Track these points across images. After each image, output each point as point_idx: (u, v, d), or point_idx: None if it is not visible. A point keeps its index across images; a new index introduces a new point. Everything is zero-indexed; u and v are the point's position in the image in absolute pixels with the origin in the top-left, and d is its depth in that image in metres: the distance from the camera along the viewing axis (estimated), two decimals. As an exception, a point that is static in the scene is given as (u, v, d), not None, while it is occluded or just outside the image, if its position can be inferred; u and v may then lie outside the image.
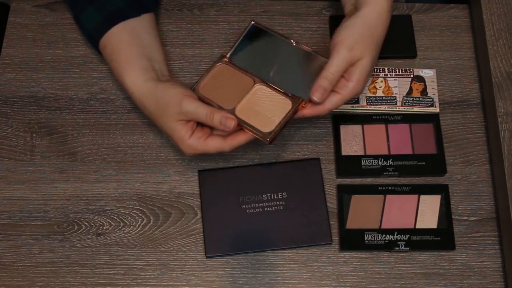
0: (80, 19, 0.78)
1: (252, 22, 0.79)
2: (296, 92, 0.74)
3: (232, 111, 0.73)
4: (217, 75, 0.77)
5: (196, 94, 0.74)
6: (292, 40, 0.77)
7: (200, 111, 0.71)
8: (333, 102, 0.72)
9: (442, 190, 0.79)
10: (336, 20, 0.87)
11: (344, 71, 0.71)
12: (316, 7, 0.89)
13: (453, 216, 0.78)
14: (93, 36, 0.77)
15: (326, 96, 0.71)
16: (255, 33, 0.78)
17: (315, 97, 0.71)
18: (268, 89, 0.75)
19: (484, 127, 0.83)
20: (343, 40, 0.71)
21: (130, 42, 0.75)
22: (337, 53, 0.71)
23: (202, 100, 0.74)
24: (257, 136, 0.72)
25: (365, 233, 0.76)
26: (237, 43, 0.78)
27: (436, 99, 0.83)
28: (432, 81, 0.84)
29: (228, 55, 0.77)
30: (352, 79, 0.72)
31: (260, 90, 0.75)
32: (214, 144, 0.72)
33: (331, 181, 0.80)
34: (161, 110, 0.72)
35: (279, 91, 0.74)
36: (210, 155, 0.79)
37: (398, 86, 0.84)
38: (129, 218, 0.77)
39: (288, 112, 0.73)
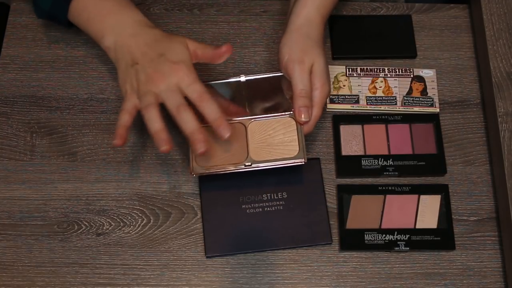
0: (35, 1, 0.79)
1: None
2: (282, 109, 0.78)
3: (251, 161, 0.74)
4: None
5: (198, 171, 0.74)
6: (240, 77, 0.79)
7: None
8: (315, 115, 0.75)
9: (442, 190, 0.79)
10: (336, 20, 0.87)
11: (309, 82, 0.74)
12: (316, 7, 0.89)
13: (453, 216, 0.78)
14: (56, 13, 0.78)
15: (310, 112, 0.74)
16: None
17: (302, 118, 0.74)
18: (260, 121, 0.77)
19: (484, 127, 0.83)
20: (290, 57, 0.74)
21: None
22: (293, 71, 0.74)
23: (210, 172, 0.74)
24: (292, 164, 0.74)
25: (365, 233, 0.76)
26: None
27: (436, 99, 0.83)
28: (432, 81, 0.84)
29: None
30: (317, 86, 0.75)
31: (255, 126, 0.77)
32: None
33: (331, 181, 0.80)
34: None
35: (269, 117, 0.77)
36: None
37: (398, 86, 0.84)
38: (129, 218, 0.77)
39: (297, 125, 0.76)
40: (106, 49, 0.76)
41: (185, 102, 0.70)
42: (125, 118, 0.71)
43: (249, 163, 0.74)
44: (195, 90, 0.70)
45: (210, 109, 0.70)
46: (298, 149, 0.75)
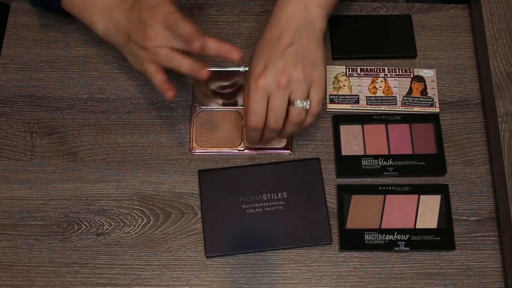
0: None
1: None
2: None
3: (244, 147, 0.80)
4: (202, 125, 0.81)
5: (197, 149, 0.80)
6: (240, 67, 0.82)
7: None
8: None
9: (442, 190, 0.79)
10: (336, 20, 0.87)
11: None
12: (316, 7, 0.89)
13: (453, 216, 0.78)
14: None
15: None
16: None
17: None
18: None
19: (484, 127, 0.83)
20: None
21: None
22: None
23: (207, 152, 0.80)
24: (279, 153, 0.79)
25: (365, 233, 0.76)
26: (194, 91, 0.83)
27: (436, 99, 0.83)
28: (432, 81, 0.84)
29: (196, 105, 0.82)
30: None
31: None
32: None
33: (331, 181, 0.80)
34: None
35: None
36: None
37: (398, 86, 0.84)
38: (129, 218, 0.77)
39: None
40: (103, 36, 0.77)
41: (169, 50, 0.70)
42: (159, 77, 0.72)
43: (242, 149, 0.80)
44: (174, 21, 0.70)
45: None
46: (285, 140, 0.80)
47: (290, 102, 0.71)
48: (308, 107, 0.72)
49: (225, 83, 0.83)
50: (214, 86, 0.83)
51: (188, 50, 0.70)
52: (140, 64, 0.73)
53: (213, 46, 0.69)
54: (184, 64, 0.70)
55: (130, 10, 0.73)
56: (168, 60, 0.71)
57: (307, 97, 0.72)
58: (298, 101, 0.71)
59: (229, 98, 0.83)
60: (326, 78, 0.73)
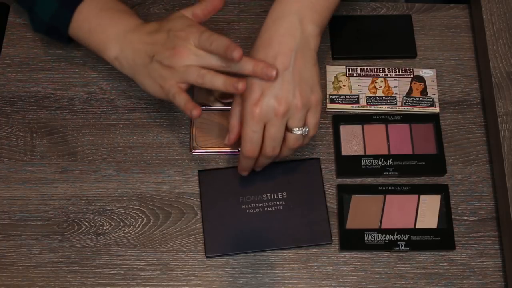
0: (35, 11, 0.77)
1: None
2: None
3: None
4: (202, 125, 0.81)
5: (197, 149, 0.80)
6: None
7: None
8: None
9: (442, 190, 0.79)
10: (336, 20, 0.87)
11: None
12: (316, 7, 0.89)
13: (453, 216, 0.78)
14: (57, 25, 0.76)
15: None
16: None
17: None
18: None
19: (484, 127, 0.83)
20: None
21: (105, 7, 0.75)
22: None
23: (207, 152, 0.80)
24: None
25: (365, 233, 0.76)
26: (194, 91, 0.82)
27: (436, 99, 0.83)
28: (432, 81, 0.84)
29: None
30: None
31: None
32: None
33: (331, 181, 0.80)
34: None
35: None
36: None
37: (398, 86, 0.84)
38: (129, 218, 0.77)
39: None
40: (114, 60, 0.75)
41: (200, 68, 0.69)
42: (183, 96, 0.70)
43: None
44: (209, 36, 0.68)
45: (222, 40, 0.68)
46: None
47: (287, 128, 0.70)
48: (306, 133, 0.71)
49: (225, 99, 0.82)
50: (217, 93, 0.82)
51: (225, 66, 0.68)
52: (161, 85, 0.71)
53: (248, 65, 0.67)
54: (218, 80, 0.68)
55: (155, 33, 0.71)
56: (200, 77, 0.68)
57: (305, 122, 0.70)
58: (297, 129, 0.70)
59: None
60: (322, 100, 0.71)
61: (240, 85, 0.67)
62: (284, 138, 0.71)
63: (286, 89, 0.68)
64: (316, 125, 0.71)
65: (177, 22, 0.71)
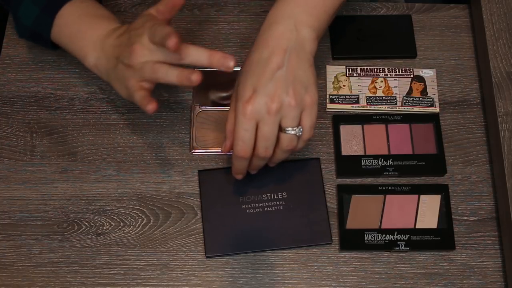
0: (18, 17, 0.77)
1: (196, 68, 0.81)
2: None
3: None
4: (202, 125, 0.81)
5: (197, 149, 0.80)
6: (240, 67, 0.80)
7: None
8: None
9: (442, 190, 0.79)
10: (336, 20, 0.87)
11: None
12: (316, 7, 0.89)
13: (453, 216, 0.78)
14: (39, 30, 0.76)
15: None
16: (204, 76, 0.81)
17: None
18: None
19: (484, 127, 0.83)
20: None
21: (84, 12, 0.75)
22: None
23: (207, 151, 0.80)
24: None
25: (365, 233, 0.76)
26: (194, 91, 0.83)
27: (436, 99, 0.83)
28: (432, 81, 0.84)
29: (196, 105, 0.82)
30: None
31: None
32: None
33: (331, 181, 0.80)
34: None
35: None
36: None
37: (398, 86, 0.84)
38: (129, 218, 0.77)
39: None
40: (93, 68, 0.74)
41: (154, 62, 0.67)
42: (140, 93, 0.69)
43: None
44: (153, 27, 0.66)
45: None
46: None
47: (280, 129, 0.68)
48: (300, 134, 0.69)
49: (225, 94, 0.82)
50: (214, 96, 0.82)
51: (179, 59, 0.67)
52: (126, 85, 0.70)
53: (204, 56, 0.65)
54: (170, 73, 0.66)
55: (121, 35, 0.71)
56: (153, 71, 0.67)
57: (299, 123, 0.68)
58: (290, 128, 0.68)
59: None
60: (317, 101, 0.69)
61: (194, 77, 0.64)
62: (278, 140, 0.69)
63: (279, 87, 0.67)
64: (311, 127, 0.69)
65: (139, 20, 0.70)
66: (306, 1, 0.70)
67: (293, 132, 0.68)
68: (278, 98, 0.66)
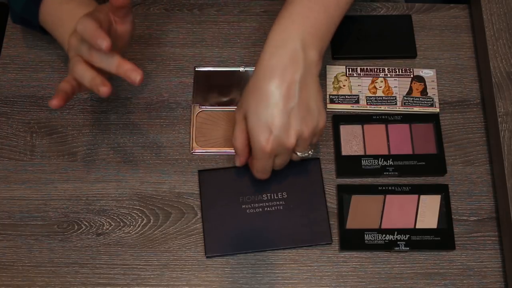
0: (10, 3, 0.78)
1: (196, 69, 0.84)
2: None
3: None
4: (202, 125, 0.81)
5: (197, 149, 0.80)
6: (239, 67, 0.83)
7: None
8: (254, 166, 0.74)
9: (442, 190, 0.79)
10: (336, 20, 0.87)
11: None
12: (316, 7, 0.89)
13: (453, 216, 0.78)
14: (28, 17, 0.77)
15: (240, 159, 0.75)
16: (204, 76, 0.81)
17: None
18: None
19: (484, 127, 0.83)
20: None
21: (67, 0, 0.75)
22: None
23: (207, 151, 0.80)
24: None
25: (365, 233, 0.76)
26: (194, 91, 0.83)
27: (436, 99, 0.83)
28: (432, 81, 0.84)
29: (196, 105, 0.82)
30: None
31: None
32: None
33: (331, 181, 0.80)
34: None
35: None
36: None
37: (398, 86, 0.84)
38: (129, 218, 0.77)
39: None
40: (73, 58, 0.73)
41: (76, 59, 0.66)
42: (63, 85, 0.68)
43: None
44: (84, 25, 0.63)
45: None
46: None
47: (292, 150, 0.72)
48: (311, 155, 0.73)
49: (225, 96, 0.82)
50: (214, 97, 0.82)
51: (93, 59, 0.65)
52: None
53: (114, 61, 0.64)
54: (85, 76, 0.65)
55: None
56: (72, 69, 0.67)
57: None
58: (301, 153, 0.72)
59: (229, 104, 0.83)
60: (326, 122, 0.72)
61: (103, 89, 0.64)
62: None
63: (294, 123, 0.68)
64: (318, 140, 0.74)
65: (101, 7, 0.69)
66: (312, 22, 0.69)
67: (305, 154, 0.73)
68: (294, 134, 0.68)
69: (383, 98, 0.83)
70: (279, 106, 0.67)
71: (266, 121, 0.67)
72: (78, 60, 0.67)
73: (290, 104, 0.67)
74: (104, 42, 0.61)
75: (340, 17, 0.73)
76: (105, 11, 0.68)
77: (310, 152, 0.73)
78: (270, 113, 0.67)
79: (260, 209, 0.77)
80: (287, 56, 0.67)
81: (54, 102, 0.66)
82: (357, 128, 0.82)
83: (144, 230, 0.77)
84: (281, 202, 0.77)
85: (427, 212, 0.77)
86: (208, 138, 0.81)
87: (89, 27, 0.63)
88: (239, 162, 0.75)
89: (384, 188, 0.78)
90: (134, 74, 0.64)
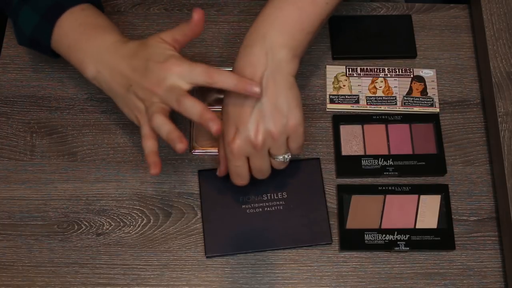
0: (18, 24, 0.75)
1: None
2: None
3: None
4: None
5: (197, 149, 0.80)
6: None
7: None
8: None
9: (442, 190, 0.79)
10: (336, 20, 0.87)
11: None
12: (316, 7, 0.89)
13: (453, 216, 0.78)
14: (39, 38, 0.75)
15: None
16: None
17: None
18: None
19: (484, 127, 0.83)
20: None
21: (84, 21, 0.73)
22: None
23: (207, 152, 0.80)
24: None
25: (365, 233, 0.76)
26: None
27: (436, 99, 0.83)
28: (432, 81, 0.84)
29: None
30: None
31: None
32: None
33: (331, 181, 0.80)
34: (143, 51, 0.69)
35: None
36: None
37: (398, 86, 0.84)
38: (129, 218, 0.77)
39: None
40: (93, 80, 0.73)
41: (183, 93, 0.66)
42: (149, 144, 0.69)
43: None
44: (199, 73, 0.66)
45: (227, 78, 0.66)
46: None
47: (270, 155, 0.70)
48: (288, 159, 0.71)
49: (222, 96, 0.82)
50: (214, 97, 0.82)
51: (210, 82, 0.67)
52: (137, 116, 0.70)
53: (231, 80, 0.66)
54: (163, 128, 0.66)
55: (131, 59, 0.69)
56: (151, 118, 0.67)
57: (287, 148, 0.70)
58: (279, 156, 0.70)
59: None
60: (303, 121, 0.69)
61: (180, 147, 0.65)
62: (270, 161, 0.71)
63: (260, 121, 0.67)
64: (299, 148, 0.71)
65: (155, 51, 0.68)
66: (281, 21, 0.69)
67: (281, 158, 0.70)
68: (260, 132, 0.67)
69: (383, 98, 0.83)
70: (245, 105, 0.67)
71: (233, 119, 0.68)
72: (159, 110, 0.67)
73: (257, 103, 0.67)
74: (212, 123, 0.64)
75: (321, 14, 0.71)
76: (180, 33, 0.69)
77: (286, 156, 0.70)
78: (237, 113, 0.68)
79: (260, 209, 0.77)
80: (254, 56, 0.68)
81: (156, 171, 0.67)
82: (357, 128, 0.82)
83: (144, 230, 0.77)
84: (281, 202, 0.77)
85: (427, 212, 0.78)
86: (208, 138, 0.81)
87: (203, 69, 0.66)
88: (219, 172, 0.75)
89: (384, 188, 0.78)
90: (213, 124, 0.64)
